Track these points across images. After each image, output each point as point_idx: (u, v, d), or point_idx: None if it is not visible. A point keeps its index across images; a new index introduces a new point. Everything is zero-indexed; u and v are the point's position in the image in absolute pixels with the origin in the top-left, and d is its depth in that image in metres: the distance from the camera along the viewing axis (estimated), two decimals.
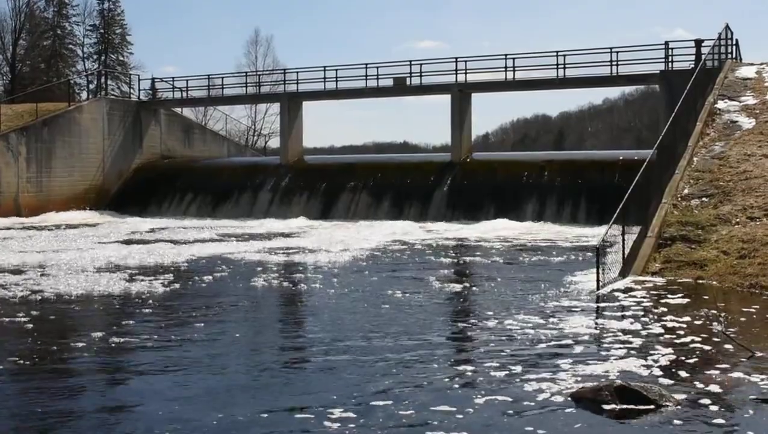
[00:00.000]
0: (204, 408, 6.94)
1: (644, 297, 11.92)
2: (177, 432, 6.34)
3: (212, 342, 9.75)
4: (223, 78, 42.09)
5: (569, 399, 6.96)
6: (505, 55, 33.52)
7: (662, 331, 9.64)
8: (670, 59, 30.31)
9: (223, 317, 11.57)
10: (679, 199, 16.50)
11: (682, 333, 9.53)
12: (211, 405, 7.01)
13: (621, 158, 30.73)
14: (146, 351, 9.34)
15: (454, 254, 19.88)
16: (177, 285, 14.43)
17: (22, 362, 8.68)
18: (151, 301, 12.68)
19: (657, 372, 7.84)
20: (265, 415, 6.72)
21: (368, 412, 6.73)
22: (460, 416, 6.60)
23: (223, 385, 7.72)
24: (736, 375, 7.65)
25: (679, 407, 6.70)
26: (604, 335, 9.60)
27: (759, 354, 8.39)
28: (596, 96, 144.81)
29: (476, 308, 12.13)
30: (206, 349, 9.31)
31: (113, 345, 9.54)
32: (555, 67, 32.64)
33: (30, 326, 10.61)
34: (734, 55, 28.76)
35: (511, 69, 33.47)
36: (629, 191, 14.45)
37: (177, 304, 12.66)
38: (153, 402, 7.19)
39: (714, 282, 12.98)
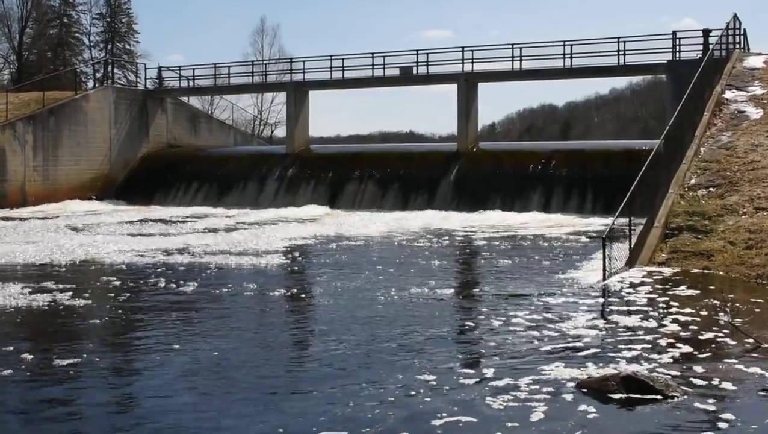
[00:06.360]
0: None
1: (651, 288, 11.91)
2: None
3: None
4: (229, 67, 42.23)
5: (575, 388, 6.98)
6: (512, 44, 33.50)
7: (669, 322, 9.64)
8: (677, 49, 30.20)
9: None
10: (686, 189, 16.47)
11: (688, 323, 9.53)
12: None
13: (634, 148, 30.68)
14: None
15: (459, 245, 19.89)
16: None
17: None
18: None
19: (663, 362, 7.85)
20: None
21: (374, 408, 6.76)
22: (467, 404, 6.63)
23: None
24: (742, 365, 7.66)
25: (685, 397, 6.72)
26: (611, 325, 9.61)
27: (766, 345, 8.39)
28: (603, 86, 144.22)
29: (481, 298, 12.13)
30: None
31: None
32: (562, 56, 32.57)
33: None
34: (742, 45, 28.65)
35: (518, 58, 33.41)
36: (636, 181, 14.43)
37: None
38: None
39: (721, 273, 12.95)
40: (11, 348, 8.74)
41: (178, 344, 8.96)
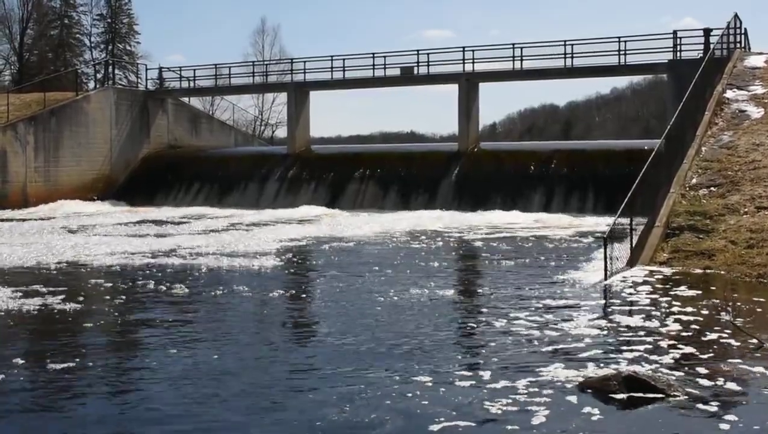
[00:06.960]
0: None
1: (652, 287, 11.88)
2: None
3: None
4: (230, 68, 42.24)
5: (577, 388, 6.96)
6: (513, 44, 33.49)
7: (670, 321, 9.62)
8: (678, 48, 30.19)
9: None
10: (687, 189, 16.45)
11: (690, 323, 9.51)
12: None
13: (635, 147, 30.65)
14: None
15: (459, 245, 19.86)
16: None
17: None
18: None
19: (665, 362, 7.83)
20: None
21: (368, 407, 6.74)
22: (467, 406, 6.61)
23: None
24: (744, 365, 7.64)
25: (687, 397, 6.70)
26: (612, 325, 9.59)
27: (767, 344, 8.37)
28: (603, 85, 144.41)
29: (481, 298, 12.12)
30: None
31: None
32: (563, 56, 32.56)
33: None
34: (743, 45, 28.63)
35: (519, 58, 33.39)
36: (637, 181, 14.41)
37: None
38: None
39: (722, 272, 12.93)
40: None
41: (173, 348, 8.89)
